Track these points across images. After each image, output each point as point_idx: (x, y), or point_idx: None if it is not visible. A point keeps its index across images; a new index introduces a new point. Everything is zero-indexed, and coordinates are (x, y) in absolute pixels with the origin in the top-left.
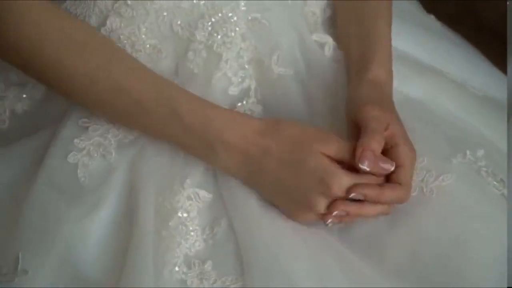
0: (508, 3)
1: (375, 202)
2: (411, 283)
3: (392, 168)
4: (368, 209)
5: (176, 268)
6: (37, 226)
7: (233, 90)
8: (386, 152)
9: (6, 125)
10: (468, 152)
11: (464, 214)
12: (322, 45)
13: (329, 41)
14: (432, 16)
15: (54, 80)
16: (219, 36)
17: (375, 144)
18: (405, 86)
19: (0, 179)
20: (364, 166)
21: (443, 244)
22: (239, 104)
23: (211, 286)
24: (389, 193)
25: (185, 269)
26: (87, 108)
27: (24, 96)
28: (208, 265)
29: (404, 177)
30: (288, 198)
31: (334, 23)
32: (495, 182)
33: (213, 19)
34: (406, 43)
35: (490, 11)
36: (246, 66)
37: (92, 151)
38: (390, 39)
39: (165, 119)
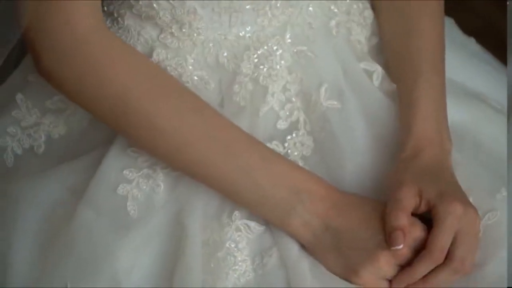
0: (508, 3)
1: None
2: None
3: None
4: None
5: None
6: (85, 255)
7: (282, 124)
8: None
9: (42, 150)
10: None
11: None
12: (371, 74)
13: (378, 69)
14: (472, 39)
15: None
16: (265, 69)
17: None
18: (450, 113)
19: (44, 203)
20: (398, 247)
21: (488, 278)
22: (289, 137)
23: None
24: (417, 269)
25: None
26: (156, 155)
27: (62, 121)
28: None
29: (430, 239)
30: (353, 249)
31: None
32: None
33: (258, 52)
34: (451, 67)
35: None
36: (294, 99)
37: (141, 183)
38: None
39: (255, 165)
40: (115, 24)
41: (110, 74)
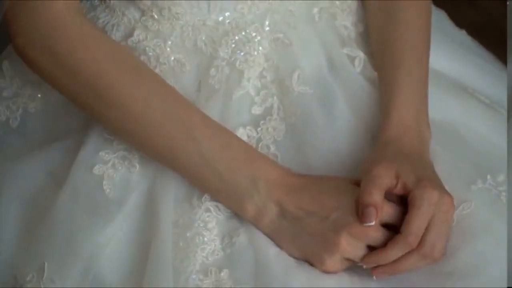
0: (508, 3)
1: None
2: None
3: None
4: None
5: (193, 276)
6: (61, 235)
7: (257, 109)
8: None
9: (17, 123)
10: (488, 176)
11: (483, 239)
12: (353, 60)
13: (359, 55)
14: (463, 31)
15: (105, 103)
16: (242, 53)
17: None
18: (434, 109)
19: (23, 186)
20: (370, 223)
21: (459, 266)
22: (262, 121)
23: None
24: (390, 251)
25: (201, 277)
26: (126, 138)
27: (39, 95)
28: (224, 273)
29: (406, 224)
30: (313, 236)
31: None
32: None
33: (236, 37)
34: (438, 59)
35: None
36: (269, 86)
37: (117, 164)
38: (420, 60)
39: (215, 151)
40: (102, 3)
41: (82, 58)
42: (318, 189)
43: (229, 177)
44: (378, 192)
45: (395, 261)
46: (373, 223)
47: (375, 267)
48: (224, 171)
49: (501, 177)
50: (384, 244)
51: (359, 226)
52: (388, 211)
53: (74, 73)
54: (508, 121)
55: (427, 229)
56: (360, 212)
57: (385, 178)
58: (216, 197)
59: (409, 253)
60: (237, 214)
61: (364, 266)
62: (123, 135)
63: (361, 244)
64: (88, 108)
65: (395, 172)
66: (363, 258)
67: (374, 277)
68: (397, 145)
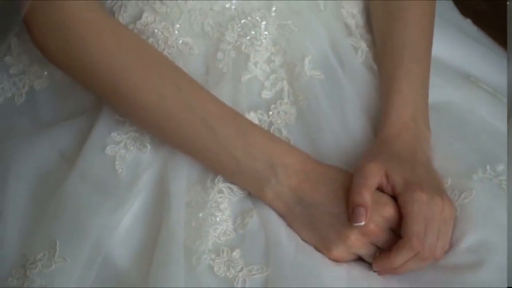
0: (508, 3)
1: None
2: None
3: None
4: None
5: (205, 255)
6: (72, 215)
7: (267, 94)
8: None
9: (22, 100)
10: (488, 167)
11: (485, 225)
12: (356, 50)
13: (362, 45)
14: (468, 20)
15: (121, 96)
16: (247, 37)
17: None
18: (437, 95)
19: (32, 165)
20: (360, 223)
21: (463, 258)
22: (273, 105)
23: (237, 274)
24: (396, 257)
25: (213, 256)
26: (140, 126)
27: (46, 73)
28: (236, 253)
29: (405, 229)
30: (325, 224)
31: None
32: None
33: (242, 21)
34: (442, 48)
35: None
36: (278, 70)
37: (129, 145)
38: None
39: (231, 138)
40: None
41: (98, 51)
42: (335, 182)
43: (246, 162)
44: (367, 192)
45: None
46: (362, 223)
47: (377, 263)
48: (241, 157)
49: (501, 167)
50: (389, 246)
51: (370, 225)
52: (389, 211)
53: (89, 68)
54: (508, 121)
55: (424, 232)
56: (350, 212)
57: (375, 177)
58: (231, 179)
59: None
60: (251, 195)
61: (374, 270)
62: (138, 124)
63: (369, 242)
64: (105, 99)
65: (385, 171)
66: (373, 261)
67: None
68: (391, 145)
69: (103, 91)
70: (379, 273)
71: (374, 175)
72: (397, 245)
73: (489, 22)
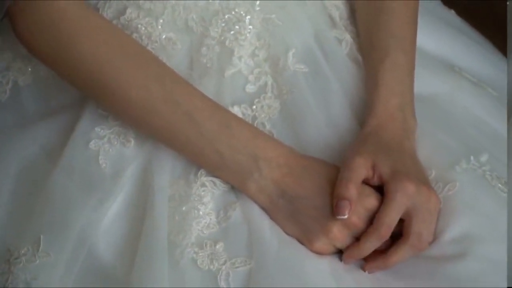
0: (508, 3)
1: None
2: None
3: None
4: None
5: (188, 249)
6: (56, 210)
7: (251, 88)
8: None
9: (6, 96)
10: (472, 158)
11: (469, 216)
12: (340, 42)
13: (346, 37)
14: (452, 11)
15: (107, 92)
16: (231, 32)
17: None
18: (422, 86)
19: (16, 161)
20: (343, 216)
21: (446, 249)
22: (257, 100)
23: (220, 266)
24: (366, 243)
25: (196, 249)
26: (125, 121)
27: (29, 69)
28: (219, 246)
29: (378, 217)
30: (308, 217)
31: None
32: (500, 185)
33: (226, 16)
34: (426, 39)
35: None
36: (262, 64)
37: (113, 139)
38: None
39: (215, 131)
40: None
41: (84, 48)
42: (319, 175)
43: (230, 155)
44: (353, 186)
45: (385, 255)
46: (346, 216)
47: (367, 263)
48: (225, 150)
49: (484, 157)
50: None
51: (353, 217)
52: (372, 203)
53: (75, 65)
54: (508, 121)
55: (410, 220)
56: (334, 204)
57: (361, 170)
58: (215, 173)
59: (398, 245)
60: (234, 188)
61: (343, 261)
62: (123, 118)
63: (351, 235)
64: (90, 94)
65: (371, 163)
66: (366, 261)
67: (367, 272)
68: (378, 137)
69: (89, 86)
70: (368, 269)
71: (361, 168)
72: (366, 232)
73: (476, 15)
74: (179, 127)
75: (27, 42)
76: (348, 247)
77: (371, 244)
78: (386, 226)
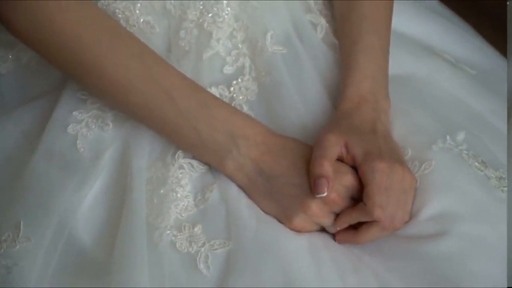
0: (508, 3)
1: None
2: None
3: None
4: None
5: (167, 232)
6: (35, 195)
7: (228, 69)
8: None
9: None
10: (448, 137)
11: (446, 194)
12: (315, 26)
13: (321, 22)
14: None
15: (85, 69)
16: (209, 15)
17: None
18: (399, 67)
19: (1, 147)
20: (322, 194)
21: (423, 227)
22: (235, 81)
23: (199, 249)
24: (353, 215)
25: (175, 232)
26: (103, 99)
27: (10, 56)
28: (198, 229)
29: (366, 196)
30: (286, 195)
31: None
32: (476, 163)
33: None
34: (403, 21)
35: None
36: (240, 46)
37: (91, 123)
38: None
39: (193, 110)
40: None
41: (63, 24)
42: (296, 153)
43: (207, 134)
44: (328, 163)
45: (357, 231)
46: (325, 194)
47: (339, 233)
48: (203, 128)
49: (461, 136)
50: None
51: (332, 194)
52: (350, 180)
53: (56, 42)
54: (508, 121)
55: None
56: (312, 184)
57: (334, 148)
58: (193, 152)
59: (369, 225)
60: (213, 168)
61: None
62: (101, 97)
63: (330, 211)
64: (70, 73)
65: (344, 142)
66: (335, 222)
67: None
68: (350, 119)
69: (70, 64)
70: (340, 242)
71: (334, 145)
72: (367, 223)
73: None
74: (158, 105)
75: (9, 23)
76: (342, 232)
77: (372, 232)
78: (379, 207)
